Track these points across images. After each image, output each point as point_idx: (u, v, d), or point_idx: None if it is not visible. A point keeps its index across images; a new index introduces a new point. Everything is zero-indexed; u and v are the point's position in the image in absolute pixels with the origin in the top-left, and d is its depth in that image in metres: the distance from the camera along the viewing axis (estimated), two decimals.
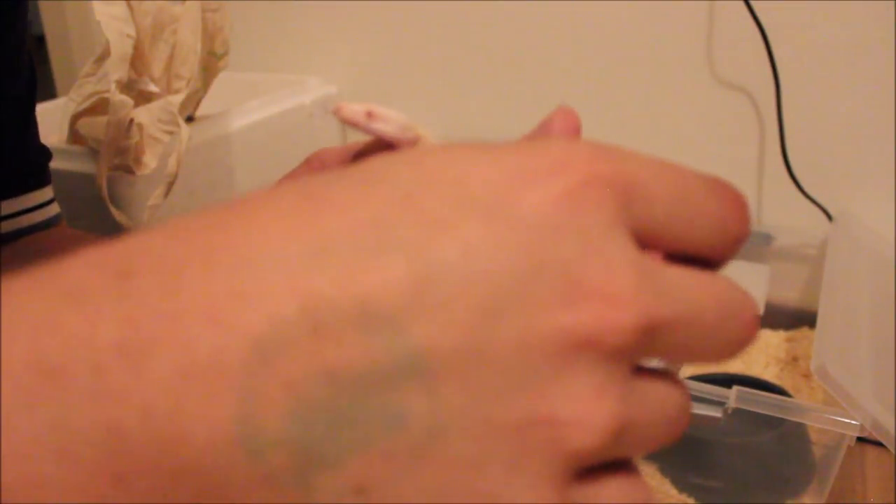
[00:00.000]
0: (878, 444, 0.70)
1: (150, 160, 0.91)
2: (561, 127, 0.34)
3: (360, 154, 0.38)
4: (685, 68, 1.12)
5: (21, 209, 0.57)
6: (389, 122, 0.33)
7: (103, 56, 0.90)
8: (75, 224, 0.73)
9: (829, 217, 1.07)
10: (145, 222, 0.90)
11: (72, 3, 1.49)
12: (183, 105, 0.93)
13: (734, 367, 1.02)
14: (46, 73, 1.51)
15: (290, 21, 1.37)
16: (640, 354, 0.23)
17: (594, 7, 1.15)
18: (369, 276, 0.20)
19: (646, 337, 0.22)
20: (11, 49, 0.55)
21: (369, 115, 0.33)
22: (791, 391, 0.94)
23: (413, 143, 0.34)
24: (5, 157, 0.56)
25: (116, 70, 0.86)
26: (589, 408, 0.21)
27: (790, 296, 1.12)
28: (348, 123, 0.33)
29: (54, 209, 0.60)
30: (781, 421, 0.77)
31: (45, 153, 0.60)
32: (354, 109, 0.33)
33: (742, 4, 1.02)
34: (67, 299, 0.19)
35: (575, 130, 0.34)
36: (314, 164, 0.40)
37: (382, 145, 0.35)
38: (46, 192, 0.59)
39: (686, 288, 0.24)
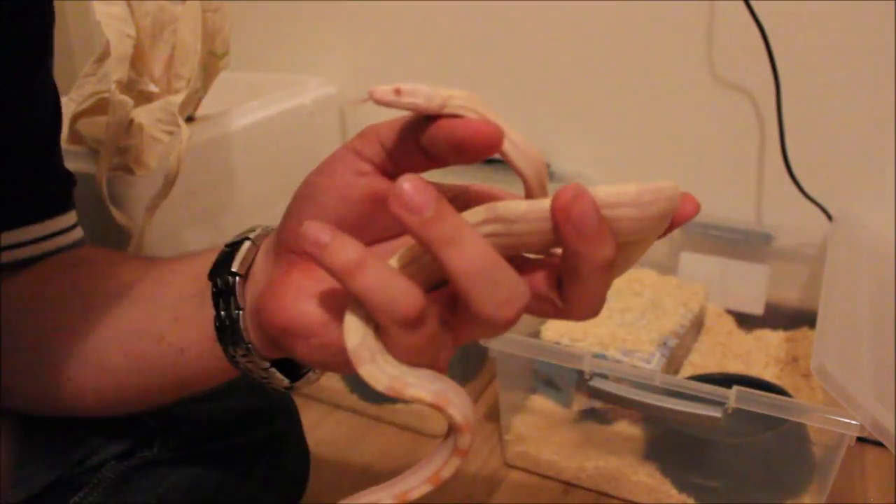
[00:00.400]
0: (879, 443, 0.70)
1: (150, 160, 0.91)
2: None
3: (406, 125, 0.38)
4: (685, 68, 1.13)
5: (47, 234, 0.58)
6: (416, 94, 0.35)
7: (103, 56, 0.90)
8: None
9: (829, 217, 1.07)
10: (145, 222, 0.90)
11: (72, 3, 1.49)
12: (183, 105, 0.93)
13: (734, 366, 1.02)
14: None
15: (290, 21, 1.37)
16: None
17: (594, 7, 1.15)
18: None
19: None
20: (40, 81, 0.57)
21: (397, 91, 0.35)
22: (791, 391, 0.94)
23: (441, 108, 0.36)
24: (33, 183, 0.57)
25: (116, 70, 0.86)
26: None
27: (790, 296, 1.12)
28: (382, 104, 0.35)
29: (78, 233, 0.61)
30: (781, 421, 0.77)
31: (70, 179, 0.61)
32: (384, 90, 0.35)
33: (742, 4, 1.02)
34: None
35: None
36: (369, 137, 0.40)
37: (421, 116, 0.37)
38: (71, 217, 0.60)
39: None
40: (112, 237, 0.91)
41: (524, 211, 0.35)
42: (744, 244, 1.12)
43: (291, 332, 0.40)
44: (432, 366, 0.38)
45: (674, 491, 0.86)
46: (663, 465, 0.87)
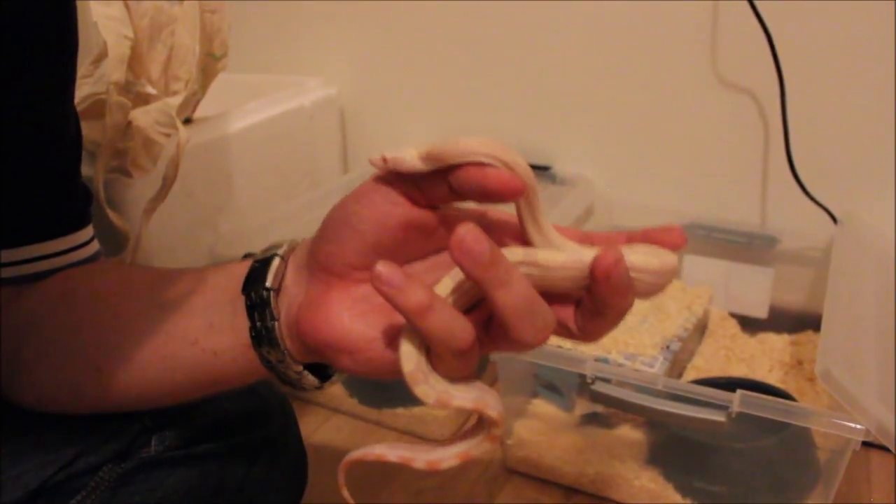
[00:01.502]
0: (884, 448, 0.70)
1: (147, 163, 0.90)
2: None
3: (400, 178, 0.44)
4: (689, 70, 1.12)
5: (69, 247, 0.60)
6: (397, 162, 0.42)
7: (100, 57, 0.90)
8: None
9: (834, 219, 1.06)
10: (142, 225, 0.90)
11: None
12: (181, 107, 0.93)
13: (738, 370, 1.02)
14: None
15: (290, 22, 1.37)
16: None
17: (597, 7, 1.14)
18: None
19: None
20: (65, 105, 0.59)
21: (384, 160, 0.43)
22: (795, 395, 0.93)
23: (423, 169, 0.42)
24: (57, 201, 0.60)
25: (114, 72, 0.86)
26: None
27: (795, 299, 1.12)
28: (378, 169, 0.44)
29: (96, 245, 0.64)
30: (786, 425, 0.76)
31: (88, 194, 0.64)
32: (377, 159, 0.43)
33: (746, 5, 1.02)
34: None
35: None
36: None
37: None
38: (89, 231, 0.63)
39: None
40: (109, 240, 0.90)
41: (562, 263, 0.41)
42: (748, 247, 1.12)
43: (337, 349, 0.45)
44: (468, 377, 0.45)
45: (677, 496, 0.86)
46: (666, 470, 0.87)
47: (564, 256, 0.42)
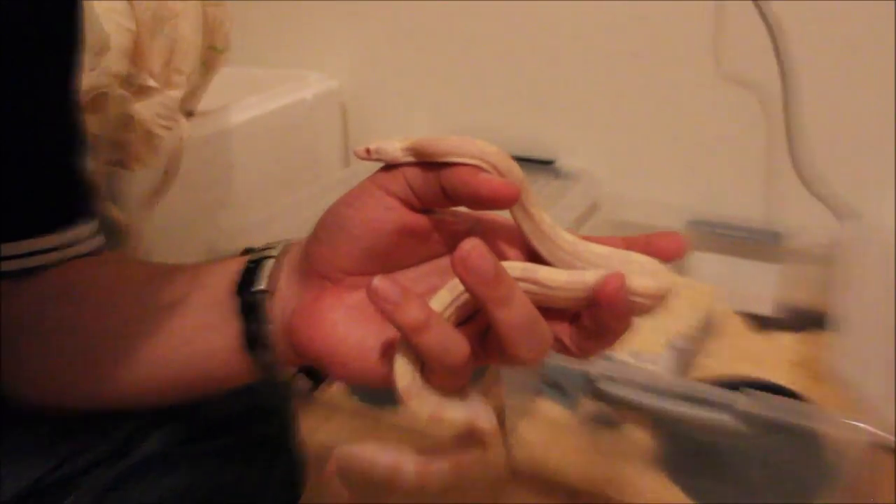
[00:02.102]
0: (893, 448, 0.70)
1: (148, 156, 0.90)
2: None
3: (430, 169, 0.43)
4: (693, 66, 1.12)
5: (72, 241, 0.60)
6: (381, 152, 0.43)
7: (102, 50, 0.90)
8: None
9: (840, 216, 1.06)
10: (143, 219, 0.89)
11: None
12: (183, 100, 0.93)
13: (745, 369, 1.01)
14: None
15: (291, 16, 1.37)
16: None
17: (602, 3, 1.14)
18: None
19: None
20: (72, 93, 0.59)
21: (368, 151, 0.43)
22: (803, 394, 0.93)
23: (401, 159, 0.43)
24: (62, 194, 0.60)
25: (115, 64, 0.85)
26: None
27: (802, 297, 1.12)
28: (362, 159, 0.43)
29: (100, 240, 0.64)
30: (793, 425, 0.76)
31: (92, 188, 0.65)
32: (361, 150, 0.43)
33: (750, 1, 1.01)
34: None
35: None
36: (396, 176, 0.44)
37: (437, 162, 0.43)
38: (94, 225, 0.63)
39: None
40: (109, 234, 0.90)
41: (563, 283, 0.41)
42: (753, 243, 1.12)
43: (330, 360, 0.45)
44: (460, 389, 0.45)
45: (682, 496, 0.85)
46: (672, 470, 0.87)
47: (566, 276, 0.42)
